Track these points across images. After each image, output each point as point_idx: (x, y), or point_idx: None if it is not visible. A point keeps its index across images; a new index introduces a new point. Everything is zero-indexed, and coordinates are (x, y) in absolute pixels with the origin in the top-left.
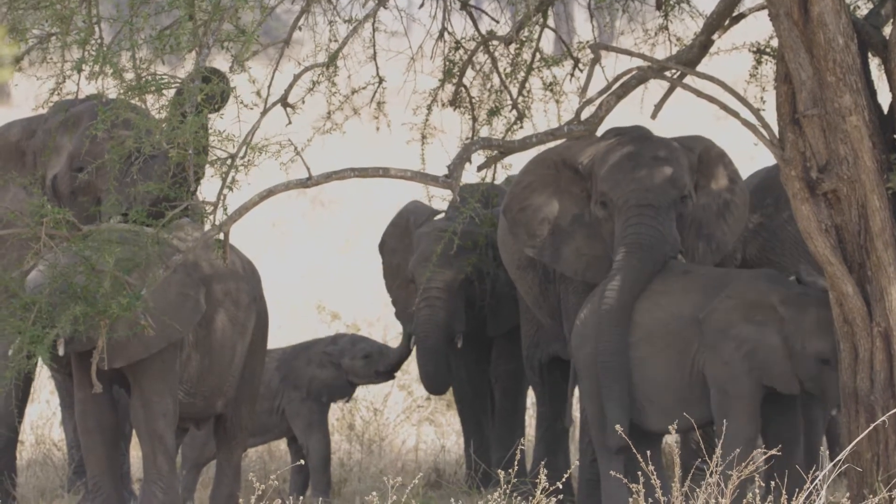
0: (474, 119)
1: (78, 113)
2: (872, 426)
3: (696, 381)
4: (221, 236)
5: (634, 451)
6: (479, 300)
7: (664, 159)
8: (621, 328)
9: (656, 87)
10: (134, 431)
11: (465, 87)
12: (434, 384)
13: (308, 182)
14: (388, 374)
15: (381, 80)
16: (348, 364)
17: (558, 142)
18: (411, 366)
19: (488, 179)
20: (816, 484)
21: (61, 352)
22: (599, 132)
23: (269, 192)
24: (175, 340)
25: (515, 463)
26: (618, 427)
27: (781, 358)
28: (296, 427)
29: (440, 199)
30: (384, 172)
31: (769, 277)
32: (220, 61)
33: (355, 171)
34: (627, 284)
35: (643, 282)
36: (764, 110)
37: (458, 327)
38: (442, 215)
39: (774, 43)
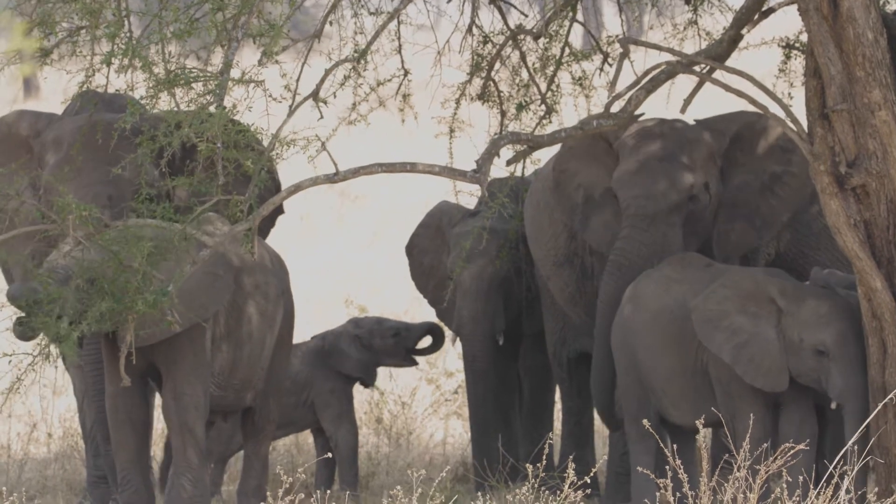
0: (503, 113)
1: (62, 133)
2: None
3: (702, 377)
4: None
5: (661, 445)
6: (517, 297)
7: (672, 160)
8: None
9: (685, 81)
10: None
11: (493, 81)
12: (481, 407)
13: (335, 177)
14: (414, 352)
15: (406, 73)
16: (380, 344)
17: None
18: (438, 359)
19: (517, 174)
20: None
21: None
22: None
23: (297, 188)
24: (205, 318)
25: (543, 457)
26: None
27: (776, 352)
28: (325, 419)
29: (468, 195)
30: (412, 167)
31: (771, 273)
32: (249, 55)
33: (383, 166)
34: (605, 304)
35: (619, 299)
36: (793, 105)
37: (498, 325)
38: (476, 214)
39: (804, 38)
